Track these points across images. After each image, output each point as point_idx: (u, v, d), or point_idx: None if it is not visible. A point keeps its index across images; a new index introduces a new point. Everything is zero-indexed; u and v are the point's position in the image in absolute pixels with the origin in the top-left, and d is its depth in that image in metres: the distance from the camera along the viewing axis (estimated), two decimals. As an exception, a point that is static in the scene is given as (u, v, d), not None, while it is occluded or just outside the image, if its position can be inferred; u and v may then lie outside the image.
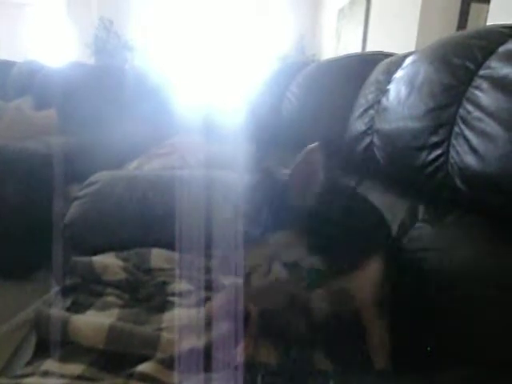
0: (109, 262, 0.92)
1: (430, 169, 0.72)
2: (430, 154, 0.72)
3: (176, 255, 0.97)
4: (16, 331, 1.52)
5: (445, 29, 2.32)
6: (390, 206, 0.89)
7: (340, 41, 4.26)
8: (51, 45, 5.07)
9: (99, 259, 0.93)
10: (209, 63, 4.44)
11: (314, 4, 5.27)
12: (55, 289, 1.11)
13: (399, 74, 0.85)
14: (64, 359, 0.68)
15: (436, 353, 0.63)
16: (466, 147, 0.64)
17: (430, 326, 0.66)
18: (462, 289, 0.64)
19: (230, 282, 0.82)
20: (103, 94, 2.31)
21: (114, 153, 1.93)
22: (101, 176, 1.18)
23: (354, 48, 3.59)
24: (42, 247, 1.37)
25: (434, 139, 0.70)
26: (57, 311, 0.77)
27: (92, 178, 1.19)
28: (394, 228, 0.82)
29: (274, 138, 1.56)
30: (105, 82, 2.36)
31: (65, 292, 0.90)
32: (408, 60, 0.83)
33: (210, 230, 0.97)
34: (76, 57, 4.73)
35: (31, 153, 1.93)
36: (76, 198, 1.17)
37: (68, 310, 0.80)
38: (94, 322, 0.74)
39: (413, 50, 0.96)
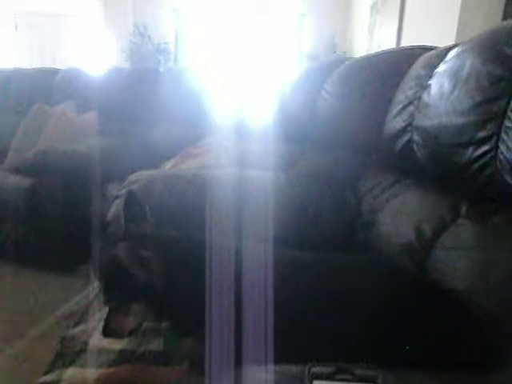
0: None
1: (477, 165, 0.70)
2: (476, 149, 0.69)
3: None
4: (60, 323, 1.60)
5: (489, 21, 2.20)
6: (429, 202, 0.87)
7: (373, 38, 4.18)
8: (91, 52, 5.29)
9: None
10: (240, 63, 4.48)
11: (346, 0, 5.20)
12: (96, 283, 1.15)
13: (442, 67, 0.82)
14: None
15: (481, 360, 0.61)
16: (518, 142, 0.61)
17: (467, 327, 0.64)
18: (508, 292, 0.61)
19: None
20: (140, 96, 2.39)
21: (150, 153, 1.99)
22: (140, 175, 1.22)
23: (388, 45, 3.50)
24: (85, 243, 1.43)
25: (481, 134, 0.68)
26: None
27: (132, 178, 1.23)
28: (432, 223, 0.80)
29: (308, 137, 1.55)
30: (141, 84, 2.43)
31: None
32: (452, 53, 0.81)
33: (244, 227, 0.99)
34: (112, 62, 4.91)
35: (73, 154, 2.02)
36: (117, 197, 1.22)
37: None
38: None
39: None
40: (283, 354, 0.54)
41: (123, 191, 1.22)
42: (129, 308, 0.69)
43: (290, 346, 0.58)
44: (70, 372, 0.67)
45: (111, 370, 0.68)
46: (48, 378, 0.69)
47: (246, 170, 1.25)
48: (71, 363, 0.70)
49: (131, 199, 0.76)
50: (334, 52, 5.00)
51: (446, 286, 0.72)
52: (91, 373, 0.66)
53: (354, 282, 0.69)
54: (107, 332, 0.70)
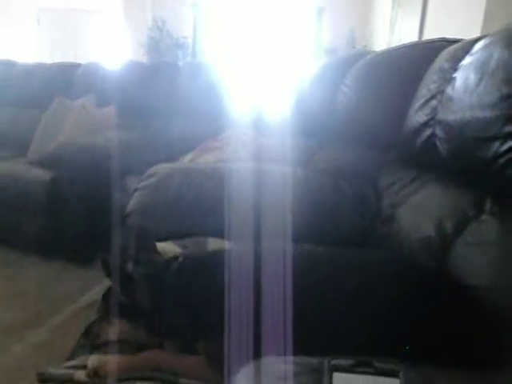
0: (169, 249, 0.95)
1: (502, 160, 0.68)
2: (502, 144, 0.67)
3: (231, 244, 0.99)
4: (80, 312, 1.64)
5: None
6: (451, 197, 0.85)
7: (394, 32, 4.10)
8: (110, 46, 5.35)
9: (159, 246, 0.97)
10: (258, 57, 4.46)
11: (366, -6, 5.11)
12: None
13: (467, 60, 0.80)
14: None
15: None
16: (547, 136, 0.59)
17: (486, 325, 0.63)
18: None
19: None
20: (159, 90, 2.40)
21: (169, 146, 2.00)
22: (159, 168, 1.23)
23: (410, 38, 3.44)
24: (104, 234, 1.45)
25: (508, 128, 0.66)
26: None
27: (151, 171, 1.24)
28: (454, 219, 0.79)
29: (326, 131, 1.54)
30: (160, 78, 2.45)
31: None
32: (478, 45, 0.79)
33: (262, 221, 0.99)
34: (131, 56, 4.95)
35: (92, 147, 2.06)
36: (136, 190, 1.23)
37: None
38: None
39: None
40: (301, 349, 0.54)
41: (141, 184, 1.23)
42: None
43: (307, 340, 0.58)
44: (94, 358, 0.68)
45: (135, 355, 0.69)
46: (73, 362, 0.71)
47: (264, 164, 1.25)
48: (95, 350, 0.71)
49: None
50: (353, 46, 4.93)
51: (466, 282, 0.70)
52: (115, 358, 0.68)
53: (372, 277, 0.68)
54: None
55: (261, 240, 0.93)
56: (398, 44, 3.29)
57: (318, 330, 0.63)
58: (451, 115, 0.82)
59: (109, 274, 0.75)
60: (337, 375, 0.43)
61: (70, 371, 0.69)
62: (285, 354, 0.52)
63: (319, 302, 0.65)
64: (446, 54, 0.95)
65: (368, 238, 1.02)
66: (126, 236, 1.18)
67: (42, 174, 2.02)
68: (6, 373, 1.32)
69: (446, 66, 0.90)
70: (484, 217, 0.74)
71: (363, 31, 5.07)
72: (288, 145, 1.47)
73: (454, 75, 0.84)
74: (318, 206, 1.09)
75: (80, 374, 0.67)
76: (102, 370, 0.65)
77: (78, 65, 2.79)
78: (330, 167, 1.31)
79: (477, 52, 0.78)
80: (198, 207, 1.09)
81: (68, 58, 3.45)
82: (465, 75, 0.79)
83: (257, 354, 0.56)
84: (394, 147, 1.15)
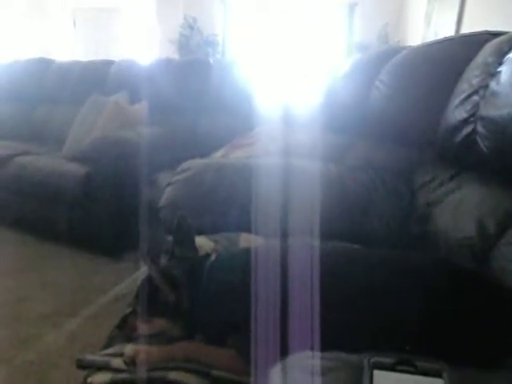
0: (201, 243, 0.96)
1: (552, 158, 0.65)
2: (552, 140, 0.64)
3: (262, 240, 0.99)
4: (111, 304, 1.68)
5: None
6: (493, 196, 0.82)
7: (430, 26, 3.97)
8: (142, 43, 5.45)
9: (192, 239, 0.98)
10: (289, 53, 4.43)
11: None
12: (145, 267, 1.20)
13: (514, 53, 0.77)
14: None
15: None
16: None
17: None
18: None
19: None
20: (191, 87, 2.43)
21: (200, 142, 2.03)
22: (192, 163, 1.24)
23: (446, 32, 3.30)
24: (135, 229, 1.48)
25: (560, 124, 0.63)
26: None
27: (184, 165, 1.25)
28: (497, 218, 0.76)
29: (358, 127, 1.51)
30: (192, 75, 2.47)
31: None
32: (527, 37, 0.75)
33: (293, 217, 0.99)
34: (162, 53, 5.03)
35: (126, 143, 2.10)
36: (169, 184, 1.25)
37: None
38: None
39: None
40: (332, 345, 0.53)
41: (175, 178, 1.25)
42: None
43: (339, 336, 0.58)
44: (130, 347, 0.70)
45: (169, 346, 0.70)
46: (110, 351, 0.73)
47: (297, 160, 1.24)
48: (130, 341, 0.73)
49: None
50: (386, 42, 4.82)
51: (509, 284, 0.67)
52: (150, 348, 0.69)
53: (404, 277, 0.67)
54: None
55: (291, 236, 0.93)
56: (433, 38, 3.17)
57: (348, 328, 0.62)
58: (495, 111, 0.79)
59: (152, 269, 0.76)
60: (377, 373, 0.42)
61: (107, 359, 0.71)
62: (313, 350, 0.52)
63: (350, 300, 0.65)
64: (489, 47, 0.91)
65: (402, 236, 0.99)
66: (163, 229, 1.20)
67: (76, 169, 2.07)
68: (42, 359, 1.37)
69: (490, 59, 0.86)
70: (530, 217, 0.71)
71: (396, 26, 4.94)
72: (319, 141, 1.45)
73: (499, 69, 0.81)
74: (351, 203, 1.08)
75: (117, 362, 0.69)
76: (139, 359, 0.67)
77: (112, 62, 2.85)
78: (362, 164, 1.29)
79: (525, 44, 0.75)
80: (230, 202, 1.10)
81: (101, 56, 3.54)
82: (511, 69, 0.76)
83: (286, 350, 0.56)
84: (431, 144, 1.11)
